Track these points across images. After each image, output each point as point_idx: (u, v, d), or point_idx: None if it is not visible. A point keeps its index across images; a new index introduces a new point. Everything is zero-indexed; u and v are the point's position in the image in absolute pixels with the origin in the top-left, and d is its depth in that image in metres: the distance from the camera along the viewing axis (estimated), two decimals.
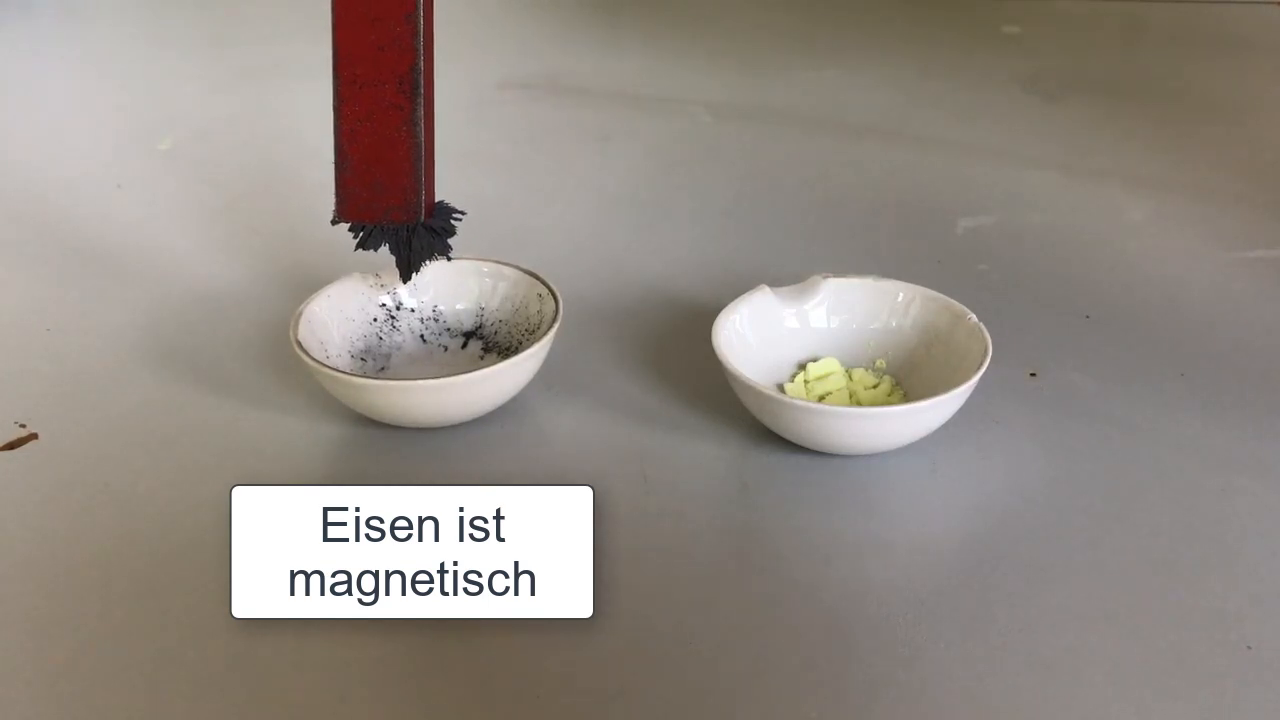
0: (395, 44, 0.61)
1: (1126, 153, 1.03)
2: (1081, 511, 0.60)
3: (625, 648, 0.53)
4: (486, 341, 0.72)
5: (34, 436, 0.67)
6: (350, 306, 0.70)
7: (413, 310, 0.72)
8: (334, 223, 0.65)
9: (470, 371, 0.63)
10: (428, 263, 0.68)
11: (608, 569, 0.56)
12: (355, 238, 0.66)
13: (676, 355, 0.73)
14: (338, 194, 0.64)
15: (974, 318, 0.66)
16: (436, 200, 0.68)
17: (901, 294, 0.69)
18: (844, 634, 0.53)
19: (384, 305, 0.72)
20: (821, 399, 0.67)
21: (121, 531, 0.60)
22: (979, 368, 0.62)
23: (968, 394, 0.62)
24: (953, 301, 0.68)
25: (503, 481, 0.54)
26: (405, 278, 0.68)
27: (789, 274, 0.72)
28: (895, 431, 0.62)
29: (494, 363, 0.64)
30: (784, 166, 1.02)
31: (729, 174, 1.01)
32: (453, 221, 0.68)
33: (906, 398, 0.67)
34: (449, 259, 0.69)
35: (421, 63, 0.61)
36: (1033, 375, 0.71)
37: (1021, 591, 0.55)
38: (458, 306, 0.73)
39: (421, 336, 0.72)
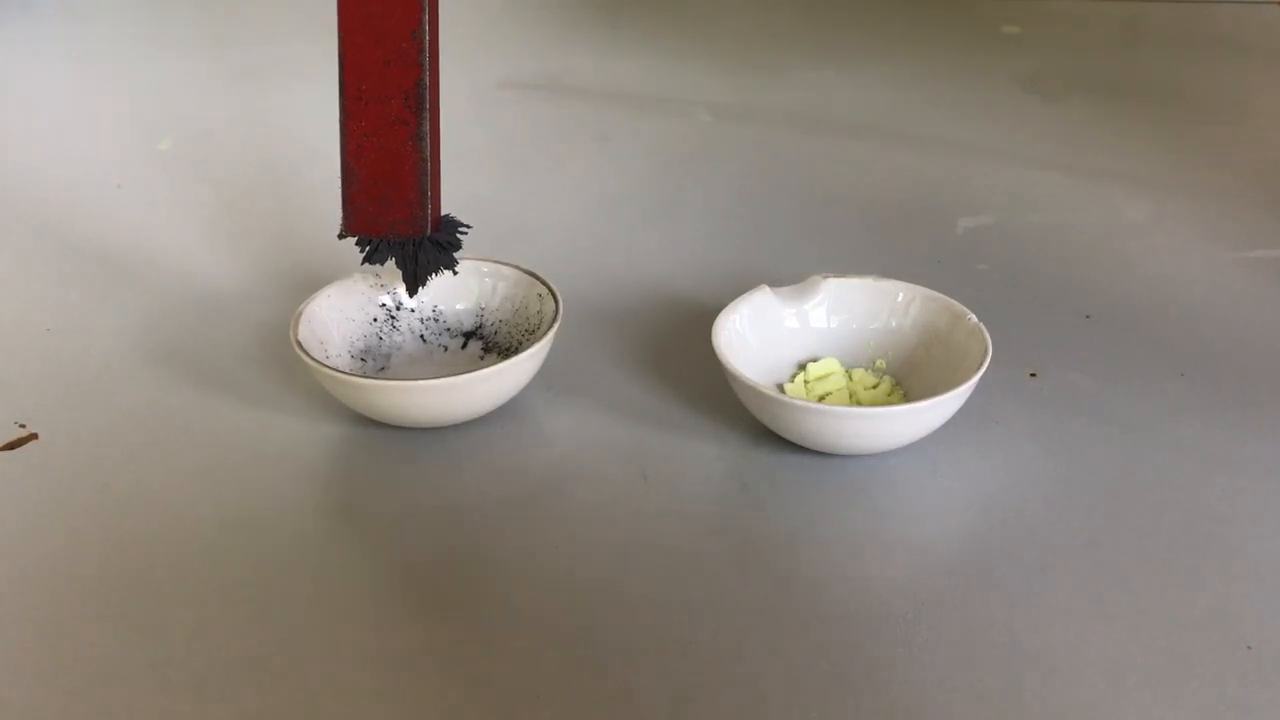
0: (401, 60, 0.61)
1: (1126, 153, 1.03)
2: (1081, 511, 0.60)
3: (625, 648, 0.53)
4: (486, 341, 0.72)
5: (34, 436, 0.67)
6: (350, 306, 0.71)
7: (413, 310, 0.72)
8: (341, 237, 0.65)
9: (470, 371, 0.63)
10: (433, 276, 0.68)
11: (608, 568, 0.56)
12: (362, 251, 0.66)
13: (676, 355, 0.73)
14: (344, 208, 0.64)
15: (974, 318, 0.66)
16: (443, 213, 0.68)
17: (901, 294, 0.69)
18: (844, 634, 0.53)
19: (384, 305, 0.72)
20: (821, 399, 0.67)
21: (121, 531, 0.60)
22: (979, 368, 0.62)
23: (968, 394, 0.62)
24: (953, 301, 0.68)
25: (502, 481, 0.54)
26: (411, 291, 0.68)
27: (789, 274, 0.72)
28: (895, 431, 0.62)
29: (494, 363, 0.64)
30: (784, 166, 1.02)
31: (729, 174, 1.01)
32: (458, 235, 0.68)
33: (906, 398, 0.67)
34: (455, 273, 0.69)
35: (427, 78, 0.62)
36: (1033, 375, 0.71)
37: (1021, 591, 0.55)
38: (458, 307, 0.73)
39: (421, 336, 0.72)
